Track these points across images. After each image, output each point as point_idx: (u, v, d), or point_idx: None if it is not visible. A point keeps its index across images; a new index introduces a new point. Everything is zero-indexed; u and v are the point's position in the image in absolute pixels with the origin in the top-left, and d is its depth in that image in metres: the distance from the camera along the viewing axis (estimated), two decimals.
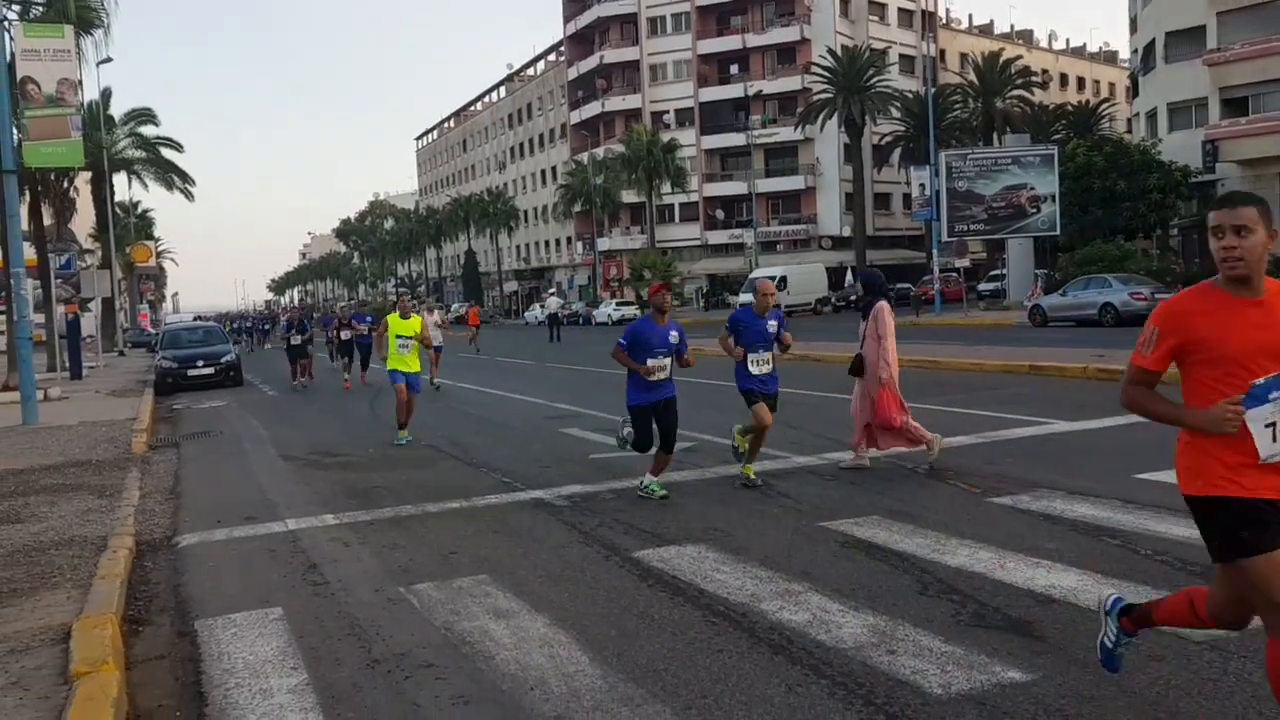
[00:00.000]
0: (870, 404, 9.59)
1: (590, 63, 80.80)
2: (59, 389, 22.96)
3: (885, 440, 9.67)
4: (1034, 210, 40.31)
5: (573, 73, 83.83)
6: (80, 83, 20.16)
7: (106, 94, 46.96)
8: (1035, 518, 7.35)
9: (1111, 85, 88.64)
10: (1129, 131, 57.89)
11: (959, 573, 6.10)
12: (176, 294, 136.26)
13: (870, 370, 9.62)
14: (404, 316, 13.72)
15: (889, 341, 9.64)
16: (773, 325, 9.13)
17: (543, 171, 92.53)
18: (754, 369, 9.07)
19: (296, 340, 24.25)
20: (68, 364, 29.27)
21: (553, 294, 66.44)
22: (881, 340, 9.60)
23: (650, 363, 8.60)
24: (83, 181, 44.80)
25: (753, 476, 9.07)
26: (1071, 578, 5.86)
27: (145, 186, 52.55)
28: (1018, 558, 6.33)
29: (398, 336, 13.52)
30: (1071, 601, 5.46)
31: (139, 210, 71.63)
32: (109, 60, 37.62)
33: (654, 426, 8.79)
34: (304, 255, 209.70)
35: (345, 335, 25.15)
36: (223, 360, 25.51)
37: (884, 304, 9.85)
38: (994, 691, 4.36)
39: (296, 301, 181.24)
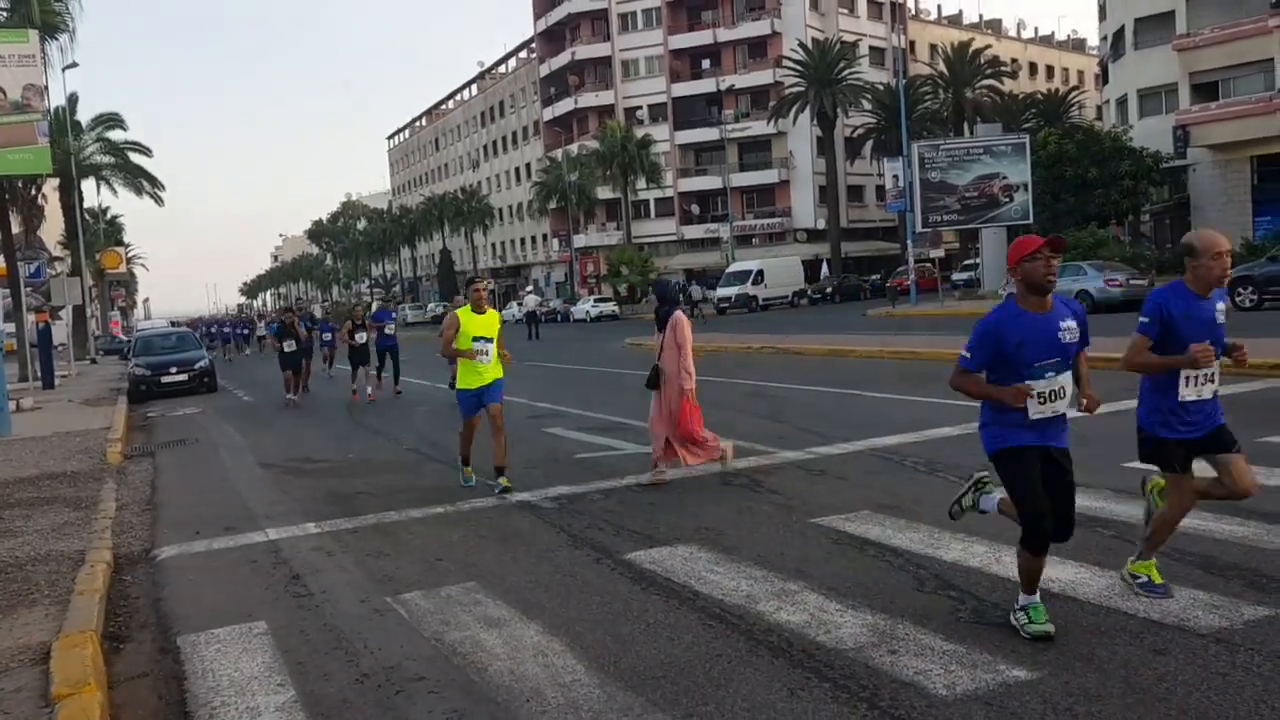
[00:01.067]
0: (671, 417, 9.22)
1: (562, 59, 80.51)
2: (31, 399, 22.60)
3: (690, 455, 9.26)
4: (1007, 199, 40.41)
5: (544, 69, 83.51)
6: (46, 88, 19.86)
7: (73, 99, 46.29)
8: None
9: (1081, 73, 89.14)
10: (1099, 119, 58.24)
11: (955, 568, 6.03)
12: (148, 300, 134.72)
13: (671, 382, 9.21)
14: (478, 310, 9.63)
15: (689, 350, 9.26)
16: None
17: (517, 169, 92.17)
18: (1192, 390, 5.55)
19: (290, 347, 20.31)
20: (39, 373, 28.86)
21: (530, 292, 66.27)
22: (681, 349, 9.20)
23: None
24: (51, 188, 44.24)
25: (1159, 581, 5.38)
26: (1069, 571, 5.80)
27: (114, 192, 52.07)
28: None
29: (475, 339, 9.47)
30: (1071, 595, 5.40)
31: (108, 216, 70.95)
32: (75, 65, 37.08)
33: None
34: (276, 258, 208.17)
35: (360, 338, 20.05)
36: (196, 366, 25.21)
37: (680, 313, 9.50)
38: (1000, 691, 4.28)
39: (281, 302, 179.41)
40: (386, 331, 20.68)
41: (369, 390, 19.74)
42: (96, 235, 61.81)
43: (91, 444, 14.82)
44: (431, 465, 11.51)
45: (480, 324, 9.58)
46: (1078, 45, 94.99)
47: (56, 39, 24.87)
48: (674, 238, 75.54)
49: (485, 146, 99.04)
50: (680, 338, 9.23)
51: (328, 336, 27.16)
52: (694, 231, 74.11)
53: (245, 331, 51.82)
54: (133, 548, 8.41)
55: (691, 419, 9.21)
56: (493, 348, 9.63)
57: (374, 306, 37.09)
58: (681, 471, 9.69)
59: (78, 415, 19.76)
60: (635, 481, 9.41)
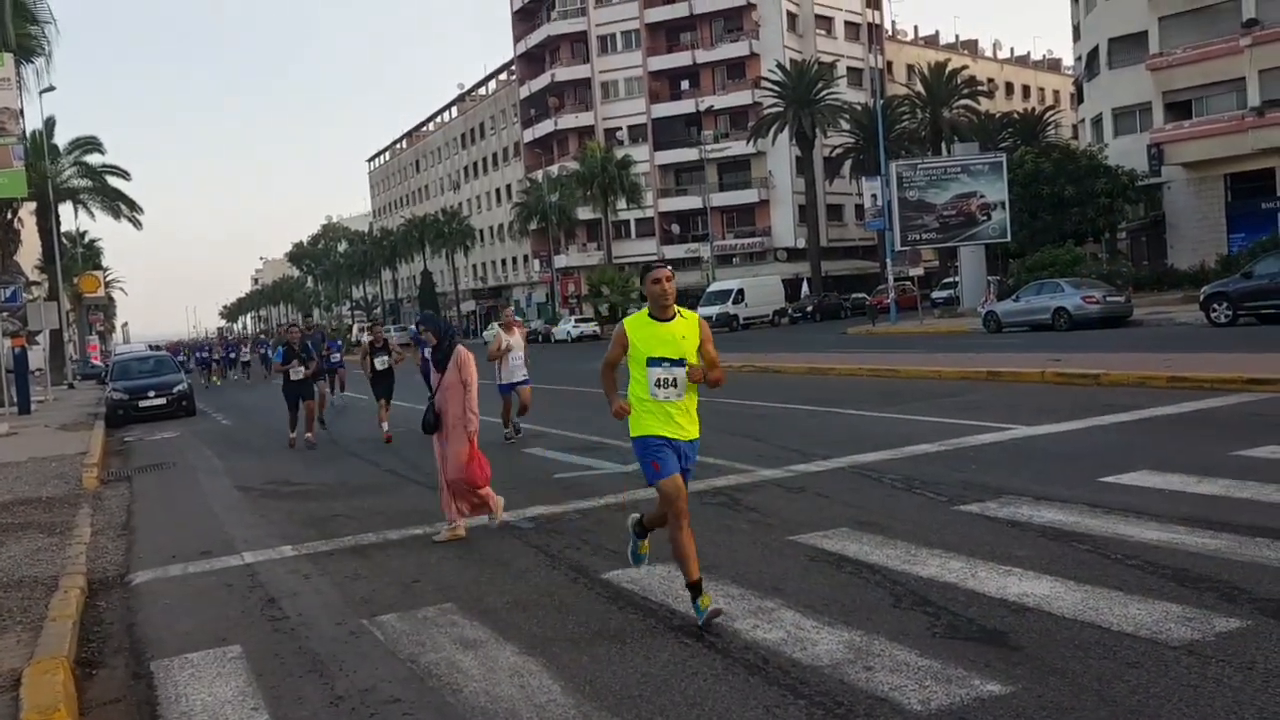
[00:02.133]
0: (455, 461, 8.43)
1: (542, 81, 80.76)
2: (6, 425, 22.42)
3: (464, 504, 8.55)
4: (985, 217, 40.71)
5: (524, 91, 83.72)
6: (22, 111, 19.79)
7: (50, 123, 46.25)
8: (1003, 525, 7.31)
9: (1056, 92, 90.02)
10: (1075, 137, 58.79)
11: (931, 583, 6.04)
12: (126, 324, 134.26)
13: (455, 424, 8.49)
14: (660, 316, 5.86)
15: (475, 390, 8.60)
16: None
17: (497, 190, 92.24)
18: None
19: (298, 374, 16.42)
20: (15, 399, 28.59)
21: (510, 312, 66.09)
22: (468, 389, 8.53)
23: None
24: (27, 212, 44.04)
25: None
26: (1044, 585, 5.82)
27: (92, 216, 51.80)
28: (989, 566, 6.28)
29: (652, 362, 5.76)
30: (1045, 610, 5.41)
31: (86, 240, 70.67)
32: (52, 89, 36.99)
33: None
34: (256, 281, 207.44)
35: (382, 363, 16.93)
36: (174, 390, 25.08)
37: (464, 349, 8.82)
38: (974, 706, 4.29)
39: (263, 324, 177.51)
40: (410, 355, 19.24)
41: (385, 428, 16.20)
42: (74, 259, 61.53)
43: (67, 469, 14.71)
44: (410, 487, 11.47)
45: (659, 338, 5.86)
46: (1053, 65, 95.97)
47: (32, 63, 24.87)
48: (655, 257, 75.42)
49: (466, 168, 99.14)
50: (467, 375, 8.55)
51: (336, 357, 25.10)
52: (674, 251, 74.22)
53: (232, 355, 48.91)
54: (107, 573, 8.34)
55: (475, 465, 8.40)
56: (684, 375, 5.86)
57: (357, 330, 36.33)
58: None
59: (54, 440, 19.60)
60: (614, 501, 9.40)
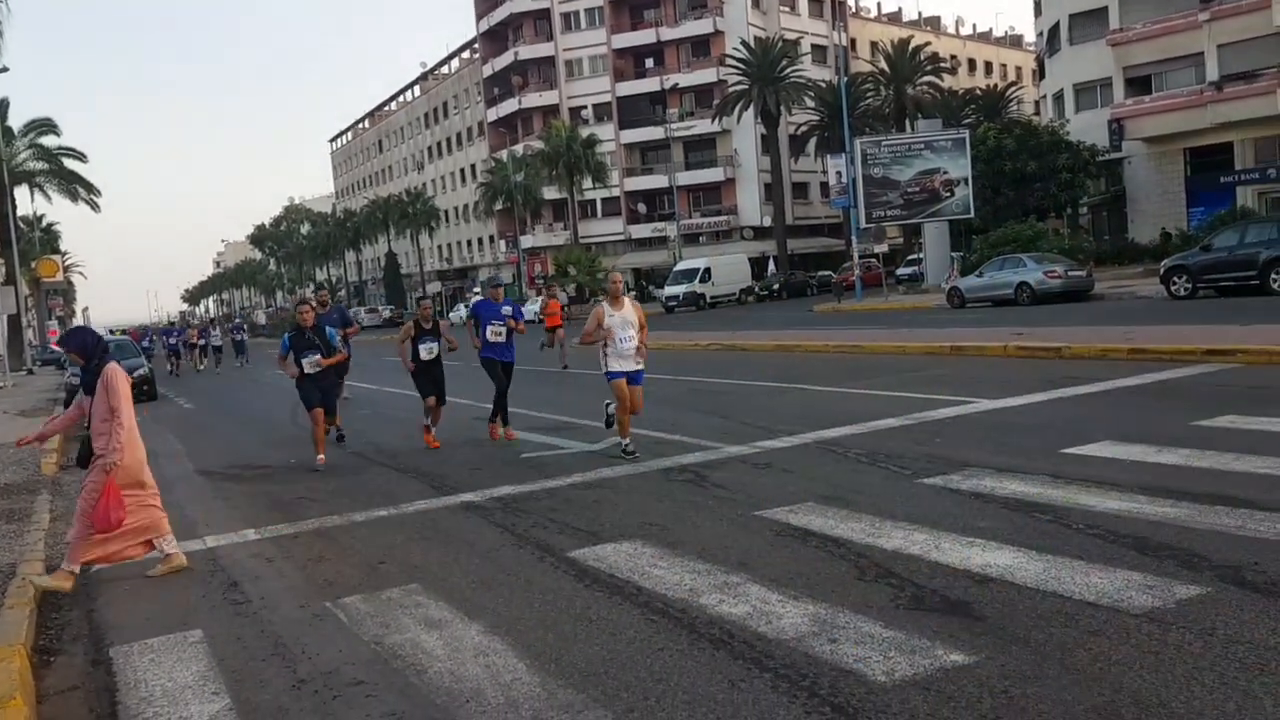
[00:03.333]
0: (94, 501, 6.96)
1: (505, 59, 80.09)
2: None
3: (109, 549, 7.16)
4: (948, 194, 40.90)
5: (488, 70, 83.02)
6: None
7: (3, 105, 45.34)
8: (967, 497, 7.36)
9: (1018, 69, 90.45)
10: (1037, 113, 59.15)
11: (895, 556, 6.07)
12: (87, 309, 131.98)
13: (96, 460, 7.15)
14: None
15: (126, 413, 7.12)
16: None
17: (462, 170, 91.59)
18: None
19: (315, 365, 11.71)
20: None
21: (477, 293, 65.83)
22: (116, 413, 7.07)
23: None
24: None
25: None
26: (1006, 555, 5.85)
27: (49, 199, 50.96)
28: (952, 538, 6.31)
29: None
30: (1008, 580, 5.44)
31: (44, 224, 69.42)
32: (5, 70, 36.28)
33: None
34: (218, 264, 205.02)
35: (429, 350, 12.42)
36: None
37: (115, 366, 7.33)
38: (938, 676, 4.31)
39: (224, 309, 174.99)
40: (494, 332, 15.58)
41: (428, 425, 12.69)
42: (31, 243, 60.46)
43: (25, 455, 14.48)
44: (374, 469, 11.38)
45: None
46: (1015, 41, 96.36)
47: None
48: (621, 237, 75.51)
49: (429, 148, 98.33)
50: (115, 398, 7.11)
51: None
52: (641, 231, 74.14)
53: (201, 341, 42.32)
54: None
55: (111, 503, 6.93)
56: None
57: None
58: (627, 468, 9.66)
59: (12, 426, 19.28)
60: (581, 480, 9.38)
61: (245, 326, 49.73)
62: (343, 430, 13.69)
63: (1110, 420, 9.85)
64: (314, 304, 13.38)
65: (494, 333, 12.58)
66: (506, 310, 12.80)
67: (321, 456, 11.61)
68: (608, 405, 10.91)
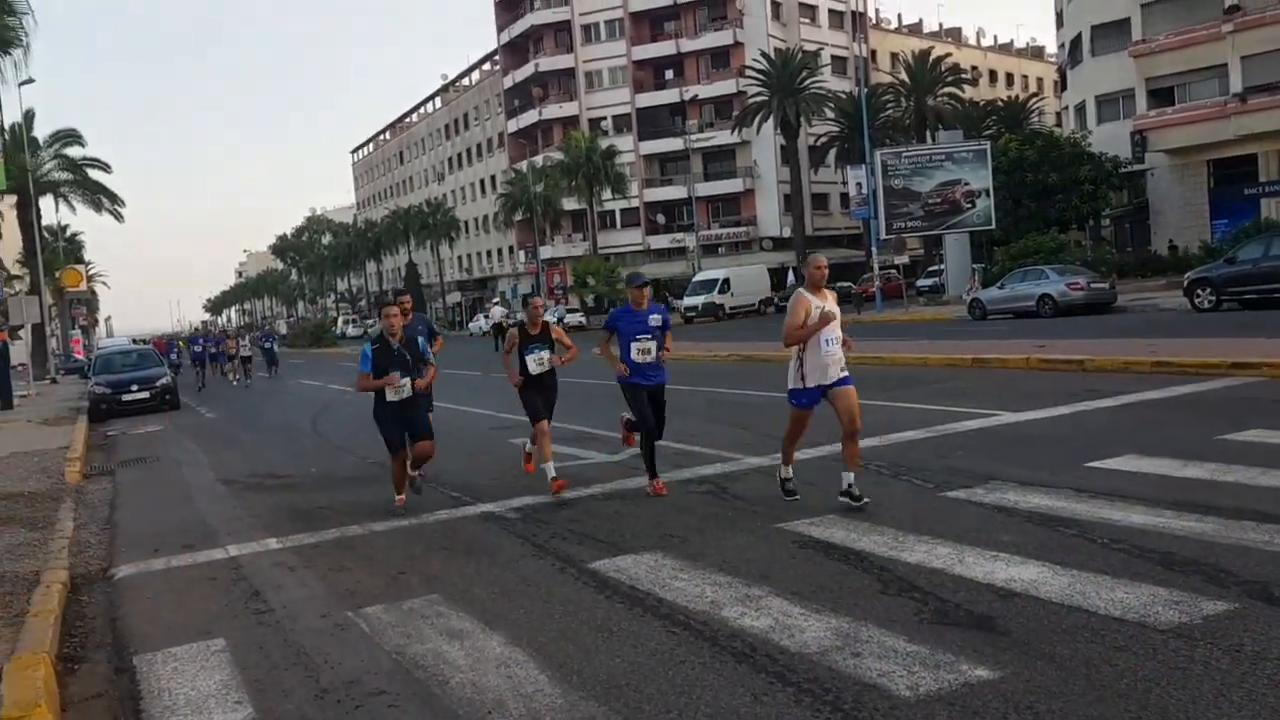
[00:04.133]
0: None
1: (525, 71, 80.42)
2: None
3: None
4: (969, 205, 40.77)
5: (508, 82, 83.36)
6: None
7: (30, 115, 45.79)
8: (990, 510, 7.31)
9: (1040, 80, 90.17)
10: (1059, 125, 58.91)
11: (918, 569, 6.03)
12: (110, 318, 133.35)
13: None
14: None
15: None
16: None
17: (482, 181, 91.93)
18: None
19: (402, 392, 9.04)
20: None
21: (497, 304, 66.02)
22: None
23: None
24: (8, 206, 43.74)
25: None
26: (1031, 570, 5.81)
27: (73, 209, 51.44)
28: (976, 552, 6.27)
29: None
30: (1032, 594, 5.40)
31: (68, 234, 70.14)
32: (31, 81, 36.63)
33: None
34: (240, 274, 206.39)
35: (539, 362, 9.88)
36: (158, 384, 24.93)
37: None
38: (962, 691, 4.28)
39: (246, 318, 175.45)
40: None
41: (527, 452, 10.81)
42: (56, 253, 61.06)
43: (50, 464, 14.59)
44: None
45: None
46: (1036, 53, 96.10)
47: (10, 54, 24.58)
48: (640, 248, 75.58)
49: (450, 159, 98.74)
50: None
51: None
52: (660, 241, 74.22)
53: (244, 352, 37.30)
54: (90, 567, 8.27)
55: None
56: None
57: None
58: (645, 480, 9.64)
59: (36, 435, 19.45)
60: (601, 490, 9.37)
61: (275, 336, 46.47)
62: (423, 474, 9.65)
63: (1134, 434, 9.78)
64: (397, 308, 9.42)
65: (640, 350, 9.02)
66: (655, 320, 9.15)
67: (401, 496, 9.34)
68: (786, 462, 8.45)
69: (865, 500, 7.68)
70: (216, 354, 38.86)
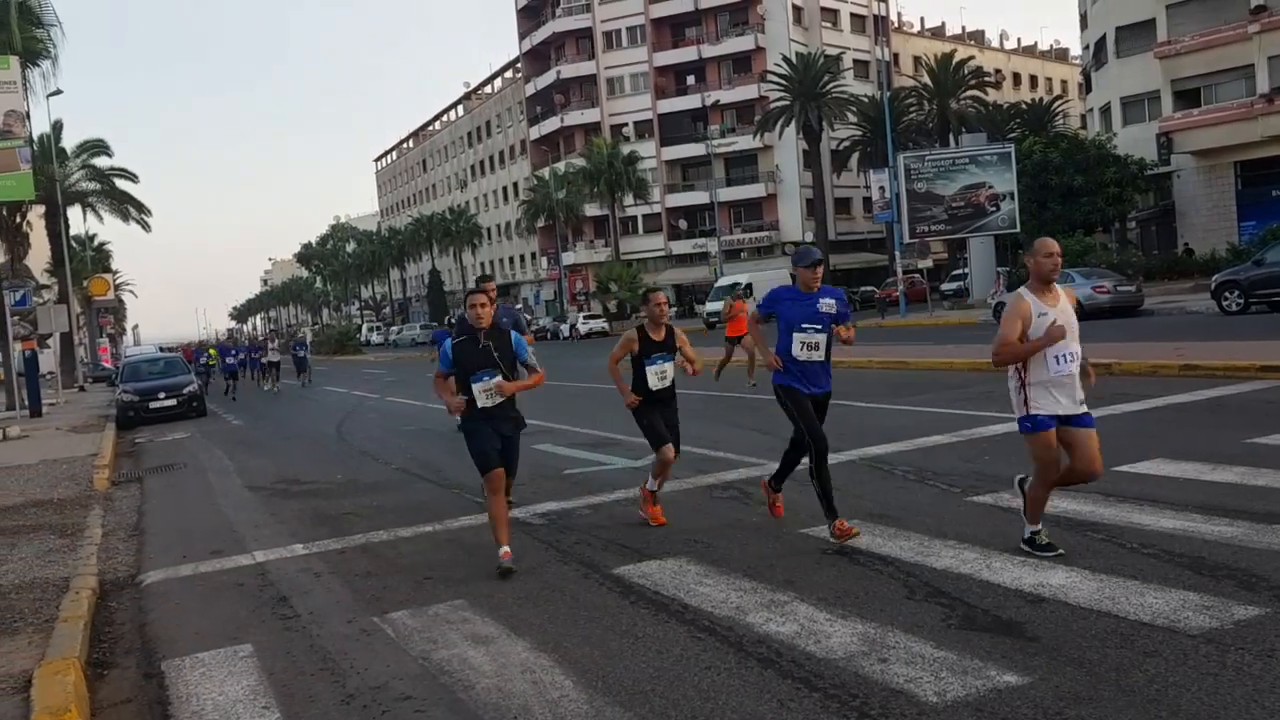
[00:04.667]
0: None
1: (547, 78, 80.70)
2: (18, 427, 22.47)
3: None
4: (993, 208, 40.58)
5: (530, 89, 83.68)
6: (28, 115, 19.81)
7: (58, 126, 46.28)
8: (1017, 515, 7.20)
9: (1064, 82, 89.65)
10: (1084, 127, 58.56)
11: (945, 575, 6.00)
12: (137, 326, 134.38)
13: None
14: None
15: None
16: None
17: (504, 188, 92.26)
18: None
19: (493, 393, 7.15)
20: (26, 401, 28.67)
21: (519, 309, 66.09)
22: None
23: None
24: (36, 215, 44.14)
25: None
26: (1059, 575, 5.76)
27: (100, 219, 51.86)
28: (1003, 557, 6.23)
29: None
30: (1061, 600, 5.36)
31: (95, 243, 70.78)
32: (59, 93, 37.11)
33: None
34: (265, 281, 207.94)
35: (661, 376, 8.10)
36: (184, 391, 25.12)
37: None
38: (990, 697, 4.24)
39: (270, 325, 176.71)
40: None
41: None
42: (83, 262, 61.62)
43: (78, 471, 14.72)
44: (419, 484, 11.44)
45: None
46: (1060, 55, 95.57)
47: (39, 65, 24.86)
48: (662, 253, 75.64)
49: (472, 166, 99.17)
50: None
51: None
52: (682, 246, 74.25)
53: (255, 355, 38.03)
54: (119, 573, 8.33)
55: None
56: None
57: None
58: (670, 485, 9.63)
59: (65, 442, 19.64)
60: (624, 496, 9.36)
61: (307, 342, 43.77)
62: (512, 500, 8.44)
63: (1163, 437, 9.69)
64: (486, 295, 7.24)
65: (806, 345, 7.15)
66: (828, 306, 7.18)
67: (507, 549, 6.99)
68: (1022, 480, 6.66)
69: (1060, 551, 6.15)
70: (252, 361, 37.73)
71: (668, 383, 8.07)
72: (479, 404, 7.10)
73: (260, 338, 56.33)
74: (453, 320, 17.69)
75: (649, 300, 8.11)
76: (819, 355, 7.21)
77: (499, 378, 7.07)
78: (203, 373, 35.41)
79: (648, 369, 7.97)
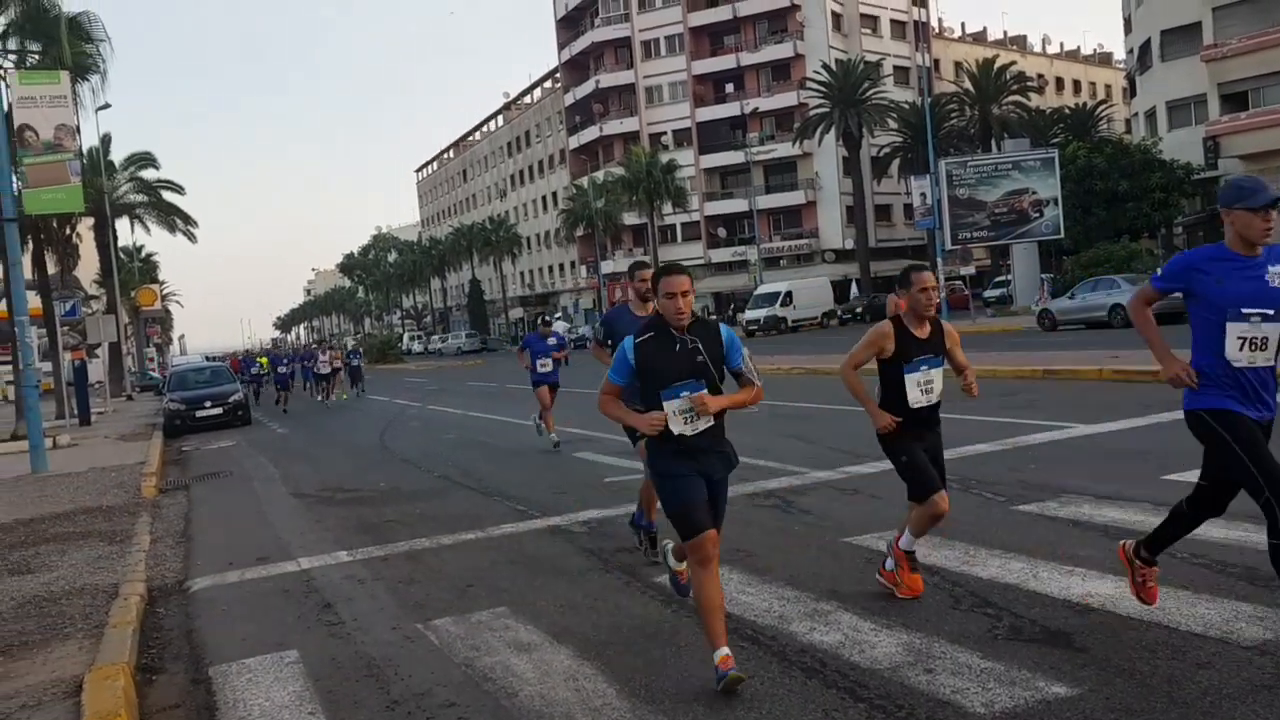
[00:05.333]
0: None
1: (586, 88, 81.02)
2: (68, 436, 22.86)
3: None
4: (1037, 214, 40.20)
5: (569, 98, 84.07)
6: (78, 128, 20.19)
7: (106, 139, 47.18)
8: (1064, 524, 7.17)
9: (1108, 87, 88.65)
10: (1128, 132, 57.86)
11: (991, 585, 5.93)
12: (183, 336, 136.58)
13: None
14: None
15: None
16: None
17: (544, 197, 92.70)
18: None
19: (694, 413, 4.93)
20: (76, 410, 29.19)
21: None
22: None
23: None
24: (85, 227, 44.90)
25: None
26: (1108, 585, 5.68)
27: (148, 230, 52.66)
28: (1050, 567, 6.15)
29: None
30: (1110, 610, 5.28)
31: (143, 254, 71.94)
32: (108, 106, 37.85)
33: None
34: (308, 291, 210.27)
35: (924, 389, 6.01)
36: (230, 400, 25.44)
37: None
38: (1039, 708, 4.19)
39: (315, 335, 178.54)
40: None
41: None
42: (131, 273, 62.64)
43: (126, 478, 14.94)
44: (460, 492, 11.49)
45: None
46: (1104, 59, 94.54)
47: (88, 79, 25.28)
48: (701, 261, 75.56)
49: (512, 176, 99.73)
50: None
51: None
52: (721, 254, 74.17)
53: (333, 367, 33.97)
54: (166, 580, 8.44)
55: None
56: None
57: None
58: None
59: (113, 451, 19.94)
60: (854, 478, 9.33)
61: (361, 351, 39.54)
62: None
63: None
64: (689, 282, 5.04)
65: (1253, 342, 4.87)
66: None
67: (726, 651, 4.75)
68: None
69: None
70: (304, 370, 35.45)
71: (934, 398, 6.03)
72: (674, 431, 4.92)
73: (309, 344, 53.88)
74: (547, 319, 17.80)
75: (911, 280, 5.94)
76: (1269, 357, 4.75)
77: (704, 390, 4.91)
78: (252, 381, 35.73)
79: (908, 378, 5.92)
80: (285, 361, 33.75)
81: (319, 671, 5.59)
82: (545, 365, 15.20)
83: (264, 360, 39.98)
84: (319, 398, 33.42)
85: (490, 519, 9.50)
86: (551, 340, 15.93)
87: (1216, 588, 5.45)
